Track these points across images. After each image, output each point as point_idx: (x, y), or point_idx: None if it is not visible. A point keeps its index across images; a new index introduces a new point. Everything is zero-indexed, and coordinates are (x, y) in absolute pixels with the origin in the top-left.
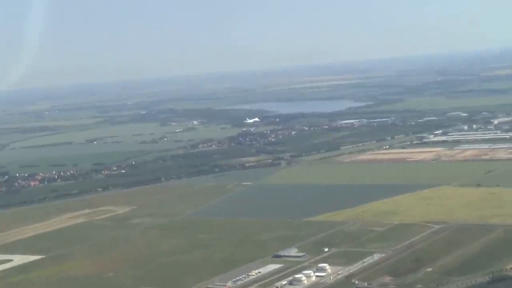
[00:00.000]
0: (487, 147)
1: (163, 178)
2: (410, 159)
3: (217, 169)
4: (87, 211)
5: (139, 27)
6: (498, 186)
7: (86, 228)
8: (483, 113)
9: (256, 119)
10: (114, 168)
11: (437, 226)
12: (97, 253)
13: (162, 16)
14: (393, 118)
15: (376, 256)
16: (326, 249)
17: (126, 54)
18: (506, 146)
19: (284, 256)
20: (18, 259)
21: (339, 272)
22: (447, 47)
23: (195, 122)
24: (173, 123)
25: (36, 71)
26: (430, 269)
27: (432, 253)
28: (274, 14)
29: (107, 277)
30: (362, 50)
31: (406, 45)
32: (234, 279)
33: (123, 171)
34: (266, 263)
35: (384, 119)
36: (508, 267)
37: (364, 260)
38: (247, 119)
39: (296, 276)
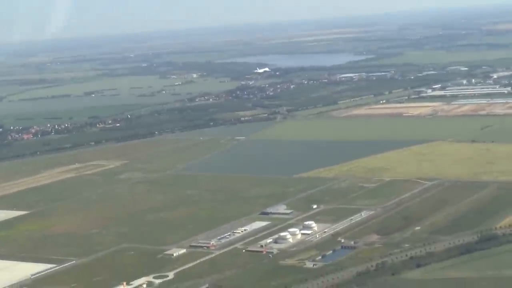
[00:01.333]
0: (484, 102)
1: (156, 132)
2: (406, 114)
3: (212, 123)
4: (77, 165)
5: None
6: (493, 142)
7: (75, 183)
8: (483, 67)
9: (266, 69)
10: (109, 122)
11: (429, 183)
12: (83, 209)
13: None
14: (393, 72)
15: (365, 214)
16: (315, 206)
17: (136, 7)
18: (504, 101)
19: (271, 213)
20: (2, 215)
21: (326, 230)
22: (451, 1)
23: (195, 75)
24: (173, 76)
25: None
26: (419, 227)
27: (422, 211)
28: None
29: (89, 233)
30: (365, 4)
31: None
32: (219, 237)
33: (118, 124)
34: (253, 220)
35: (383, 73)
36: (497, 226)
37: (352, 218)
38: (257, 68)
39: (281, 234)
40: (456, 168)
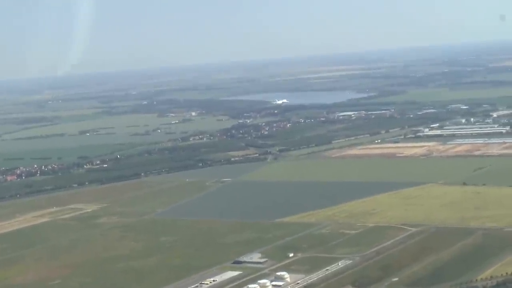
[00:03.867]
0: (481, 141)
1: (142, 174)
2: (400, 155)
3: (201, 164)
4: (54, 209)
5: (161, 16)
6: (484, 185)
7: (48, 228)
8: (484, 105)
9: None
10: (98, 162)
11: (413, 229)
12: (50, 257)
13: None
14: (392, 110)
15: (342, 263)
16: (291, 254)
17: (146, 43)
18: (501, 141)
19: (245, 262)
20: None
21: (299, 282)
22: (458, 38)
23: (193, 113)
24: (171, 114)
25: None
26: (396, 278)
27: (402, 260)
28: (290, 3)
29: (50, 285)
30: (371, 40)
31: (415, 35)
32: None
33: (105, 165)
34: (224, 270)
35: (382, 111)
36: (479, 278)
37: (328, 268)
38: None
39: (251, 286)
40: (443, 213)
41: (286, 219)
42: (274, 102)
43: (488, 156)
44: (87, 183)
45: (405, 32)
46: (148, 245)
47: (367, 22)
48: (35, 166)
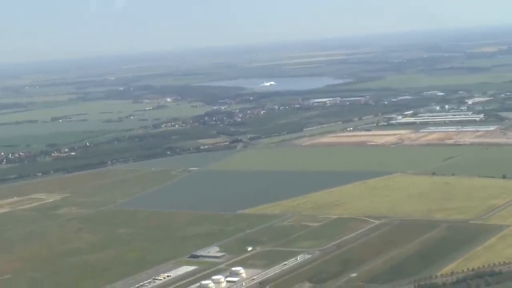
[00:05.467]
0: (454, 129)
1: (109, 162)
2: (371, 143)
3: (169, 152)
4: (15, 199)
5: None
6: (453, 175)
7: (6, 220)
8: (460, 92)
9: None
10: (66, 150)
11: (377, 222)
12: (4, 249)
13: None
14: (367, 97)
15: (301, 258)
16: (250, 248)
17: (130, 29)
18: (473, 129)
19: (201, 256)
20: None
21: (254, 277)
22: (438, 24)
23: (168, 100)
24: (146, 100)
25: None
26: (355, 274)
27: (362, 255)
28: None
29: (2, 279)
30: (352, 25)
31: (396, 21)
32: (138, 284)
33: (73, 153)
34: (180, 265)
35: (357, 98)
36: (439, 273)
37: (286, 263)
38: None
39: (204, 282)
40: (409, 205)
41: (249, 211)
42: (261, 85)
43: (460, 145)
44: (52, 172)
45: (387, 18)
46: (105, 237)
47: (351, 7)
48: (2, 154)
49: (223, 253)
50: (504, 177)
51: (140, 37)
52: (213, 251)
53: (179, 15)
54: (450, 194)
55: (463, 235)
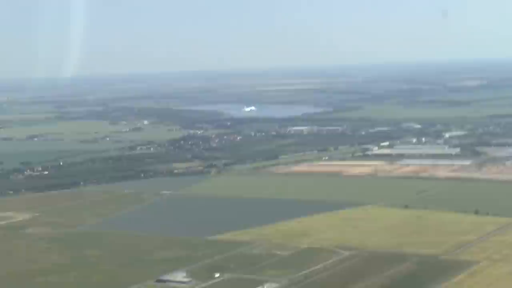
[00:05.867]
0: (429, 163)
1: (82, 183)
2: (345, 173)
3: (142, 175)
4: None
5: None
6: (426, 208)
7: None
8: (437, 125)
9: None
10: (39, 169)
11: (346, 253)
12: None
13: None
14: (345, 126)
15: (268, 286)
16: (217, 275)
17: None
18: (448, 163)
19: (168, 281)
20: None
21: None
22: (419, 56)
23: (146, 122)
24: (124, 122)
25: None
26: None
27: (329, 286)
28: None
29: None
30: (333, 55)
31: (377, 52)
32: None
33: (46, 172)
34: None
35: (335, 127)
36: None
37: None
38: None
39: None
40: (380, 237)
41: (219, 237)
42: (242, 110)
43: (434, 178)
44: (23, 190)
45: (368, 48)
46: (72, 259)
47: (331, 37)
48: None
49: (189, 279)
50: (476, 212)
51: (121, 59)
52: (180, 276)
53: (156, 38)
54: (421, 228)
55: (433, 270)
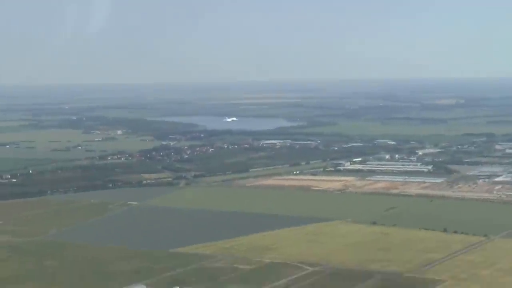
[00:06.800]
0: (400, 179)
1: (49, 191)
2: (315, 188)
3: (110, 185)
4: None
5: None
6: (394, 225)
7: None
8: (412, 142)
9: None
10: (8, 176)
11: (310, 269)
12: None
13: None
14: (319, 141)
15: None
16: None
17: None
18: (420, 180)
19: None
20: None
21: None
22: (397, 74)
23: (119, 132)
24: (97, 131)
25: None
26: None
27: None
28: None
29: None
30: (310, 70)
31: (354, 69)
32: None
33: (15, 180)
34: None
35: (308, 142)
36: None
37: None
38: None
39: None
40: (345, 253)
41: (182, 249)
42: (224, 120)
43: (404, 195)
44: None
45: (344, 65)
46: (30, 269)
47: (310, 52)
48: None
49: None
50: (445, 230)
51: (98, 69)
52: None
53: (134, 51)
54: (388, 245)
55: None
